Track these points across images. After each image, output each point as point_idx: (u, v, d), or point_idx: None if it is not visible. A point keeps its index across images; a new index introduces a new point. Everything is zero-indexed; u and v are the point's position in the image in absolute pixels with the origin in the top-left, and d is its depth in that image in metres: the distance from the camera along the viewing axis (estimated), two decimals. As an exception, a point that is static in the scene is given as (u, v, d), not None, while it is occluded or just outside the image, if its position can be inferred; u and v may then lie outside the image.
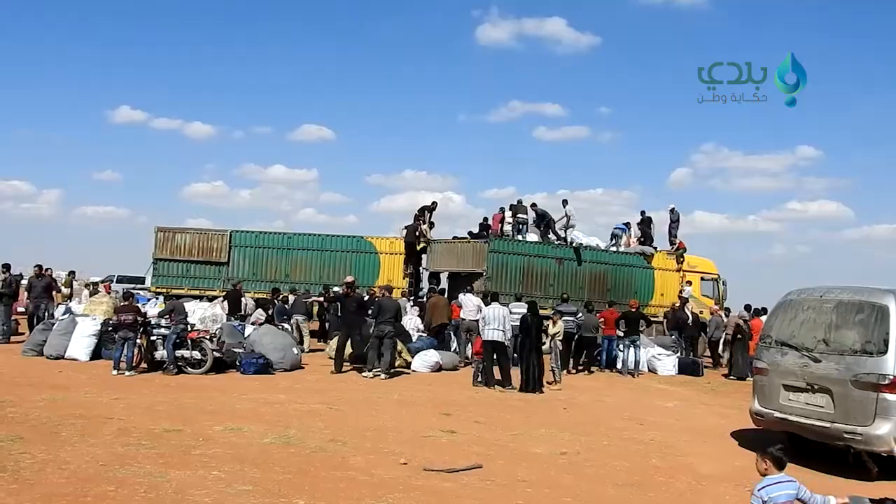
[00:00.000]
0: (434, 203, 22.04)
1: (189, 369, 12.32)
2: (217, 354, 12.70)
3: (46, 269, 17.45)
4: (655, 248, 22.44)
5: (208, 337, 12.80)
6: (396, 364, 14.78)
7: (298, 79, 78.31)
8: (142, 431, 7.67)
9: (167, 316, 12.66)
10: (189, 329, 12.73)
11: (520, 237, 20.64)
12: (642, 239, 22.67)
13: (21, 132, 75.85)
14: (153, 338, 12.64)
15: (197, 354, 12.43)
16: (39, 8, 71.77)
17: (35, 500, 5.26)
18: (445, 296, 18.51)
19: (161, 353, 12.46)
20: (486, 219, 22.07)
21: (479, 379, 13.09)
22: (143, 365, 12.54)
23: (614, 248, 22.33)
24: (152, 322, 12.75)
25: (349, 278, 15.38)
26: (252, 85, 78.78)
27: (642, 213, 23.45)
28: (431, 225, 21.42)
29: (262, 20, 75.55)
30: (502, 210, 21.47)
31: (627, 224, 23.13)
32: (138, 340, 12.43)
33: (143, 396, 9.88)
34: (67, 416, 8.18)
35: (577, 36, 69.01)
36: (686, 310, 19.29)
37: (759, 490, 4.31)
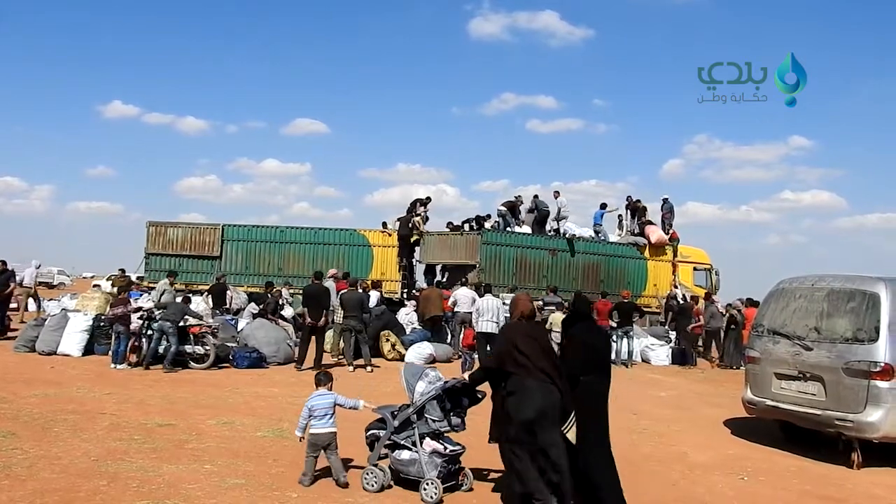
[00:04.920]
0: (428, 198, 21.96)
1: (192, 364, 12.28)
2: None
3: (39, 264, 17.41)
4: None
5: (211, 332, 12.72)
6: (390, 357, 14.81)
7: (292, 73, 78.32)
8: (134, 426, 7.66)
9: (161, 311, 12.56)
10: (190, 324, 12.59)
11: (508, 229, 20.63)
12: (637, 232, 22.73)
13: (12, 128, 75.47)
14: (149, 332, 12.59)
15: (199, 349, 12.37)
16: (30, 3, 71.28)
17: (27, 496, 5.24)
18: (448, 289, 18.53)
19: (164, 347, 12.30)
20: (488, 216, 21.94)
21: (468, 368, 13.09)
22: (133, 358, 12.47)
23: (616, 236, 22.50)
24: (155, 316, 12.67)
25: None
26: (245, 79, 78.73)
27: (628, 198, 23.60)
28: (426, 219, 21.34)
29: (255, 15, 75.30)
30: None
31: (603, 206, 23.08)
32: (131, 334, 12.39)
33: (135, 391, 9.85)
34: (59, 412, 8.16)
35: (570, 29, 69.20)
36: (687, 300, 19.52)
37: (307, 402, 5.95)
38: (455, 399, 5.85)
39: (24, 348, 13.42)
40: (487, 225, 20.54)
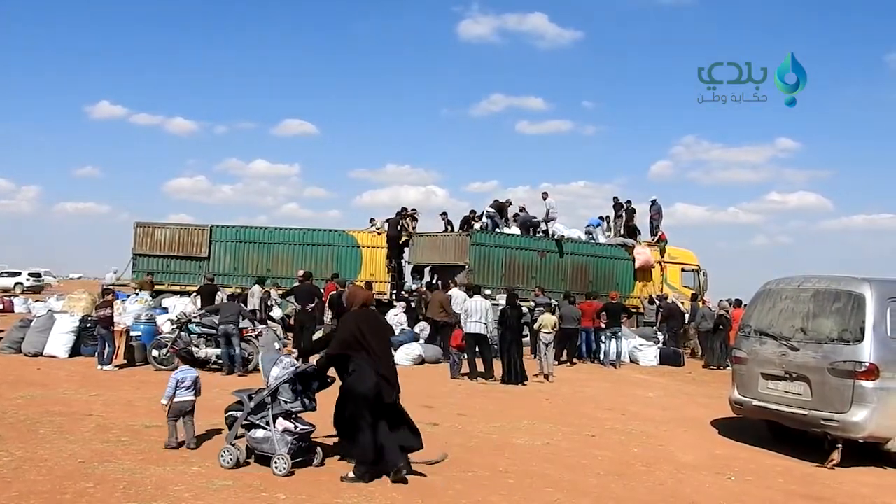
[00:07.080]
0: (415, 210, 22.00)
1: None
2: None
3: None
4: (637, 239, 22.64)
5: (255, 335, 12.54)
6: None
7: (281, 74, 78.15)
8: (121, 428, 7.60)
9: (212, 314, 12.41)
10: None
11: (497, 230, 20.67)
12: (623, 234, 22.86)
13: (-1, 128, 74.84)
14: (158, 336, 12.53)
15: (244, 353, 12.19)
16: (16, 2, 70.70)
17: (12, 499, 5.19)
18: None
19: (205, 352, 12.19)
20: (475, 212, 21.99)
21: (457, 371, 13.08)
22: (122, 360, 12.42)
23: (604, 237, 22.62)
24: (192, 320, 12.58)
25: (301, 271, 15.44)
26: (234, 80, 78.49)
27: (615, 199, 23.77)
28: (414, 222, 21.34)
29: (245, 16, 75.05)
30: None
31: (602, 218, 23.26)
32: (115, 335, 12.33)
33: (122, 393, 9.79)
34: (45, 414, 8.09)
35: (559, 31, 69.43)
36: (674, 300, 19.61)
37: (174, 374, 6.80)
38: (305, 383, 6.43)
39: (10, 350, 13.30)
40: (477, 226, 20.55)
